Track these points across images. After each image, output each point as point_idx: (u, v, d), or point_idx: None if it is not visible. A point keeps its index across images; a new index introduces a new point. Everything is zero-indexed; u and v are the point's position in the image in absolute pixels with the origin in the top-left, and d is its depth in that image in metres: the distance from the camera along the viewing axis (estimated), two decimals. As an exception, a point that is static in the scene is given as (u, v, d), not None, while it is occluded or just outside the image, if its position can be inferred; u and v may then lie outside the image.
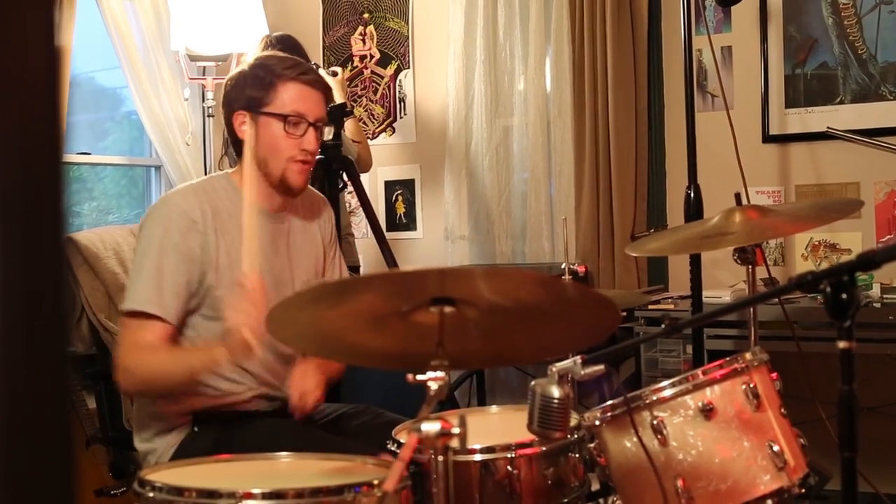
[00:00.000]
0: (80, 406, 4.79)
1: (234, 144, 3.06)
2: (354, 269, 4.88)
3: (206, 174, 5.34)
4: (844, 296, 1.79)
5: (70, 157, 5.32)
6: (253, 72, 3.02)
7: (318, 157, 3.79)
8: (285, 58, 3.12)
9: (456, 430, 1.72)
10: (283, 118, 2.96)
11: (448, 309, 1.89)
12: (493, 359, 2.49)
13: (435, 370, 1.84)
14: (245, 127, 2.98)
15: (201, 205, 2.91)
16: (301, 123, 2.97)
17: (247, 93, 2.99)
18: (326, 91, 3.08)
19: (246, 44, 5.35)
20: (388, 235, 5.69)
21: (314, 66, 3.38)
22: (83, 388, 4.81)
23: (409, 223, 5.98)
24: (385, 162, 6.02)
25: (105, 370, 4.63)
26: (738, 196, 2.98)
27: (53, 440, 0.71)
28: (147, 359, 2.81)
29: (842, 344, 1.79)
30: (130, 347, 2.82)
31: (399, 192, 6.01)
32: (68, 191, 0.73)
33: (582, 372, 2.24)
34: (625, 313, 4.49)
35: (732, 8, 4.95)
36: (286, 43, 4.52)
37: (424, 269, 1.85)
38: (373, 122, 6.09)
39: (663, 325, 2.22)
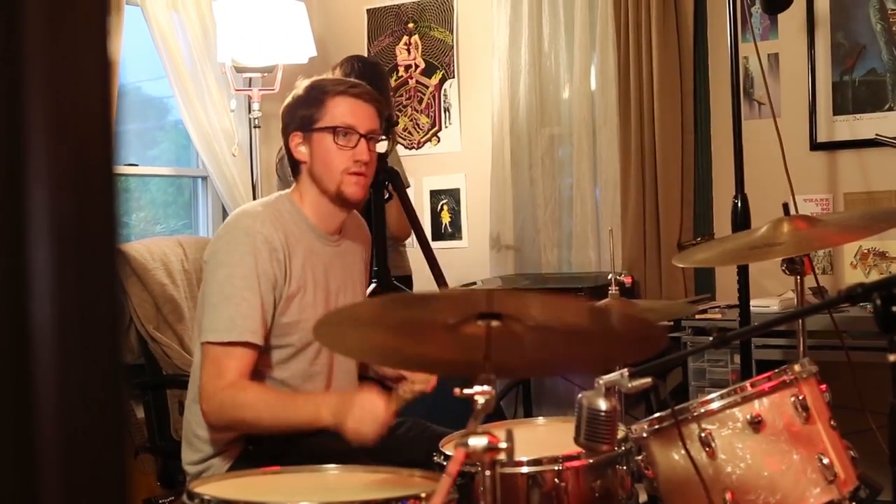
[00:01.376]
0: (128, 416, 4.81)
1: (293, 167, 3.09)
2: (406, 278, 4.87)
3: (252, 185, 5.37)
4: (895, 308, 1.78)
5: (119, 169, 5.36)
6: (305, 93, 3.04)
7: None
8: (337, 78, 3.16)
9: (503, 445, 1.72)
10: (333, 130, 2.98)
11: (495, 323, 1.89)
12: (540, 369, 2.49)
13: (482, 384, 1.84)
14: (301, 147, 3.01)
15: (278, 232, 2.92)
16: (352, 135, 2.98)
17: (299, 113, 3.02)
18: (378, 105, 3.08)
19: (292, 55, 5.38)
20: (434, 245, 5.69)
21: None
22: (131, 398, 4.84)
23: (455, 232, 5.99)
24: (430, 171, 6.03)
25: (154, 380, 4.67)
26: (786, 206, 2.96)
27: (109, 458, 0.72)
28: (245, 401, 2.79)
29: (892, 357, 1.78)
30: (222, 380, 2.79)
31: (444, 201, 6.01)
32: (121, 206, 0.73)
33: (629, 385, 2.23)
34: (671, 323, 4.47)
35: (779, 15, 4.91)
36: (367, 64, 4.53)
37: (472, 291, 1.86)
38: (418, 132, 6.10)
39: (712, 337, 2.20)
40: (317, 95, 3.01)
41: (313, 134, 2.99)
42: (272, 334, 2.92)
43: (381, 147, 3.37)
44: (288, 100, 3.10)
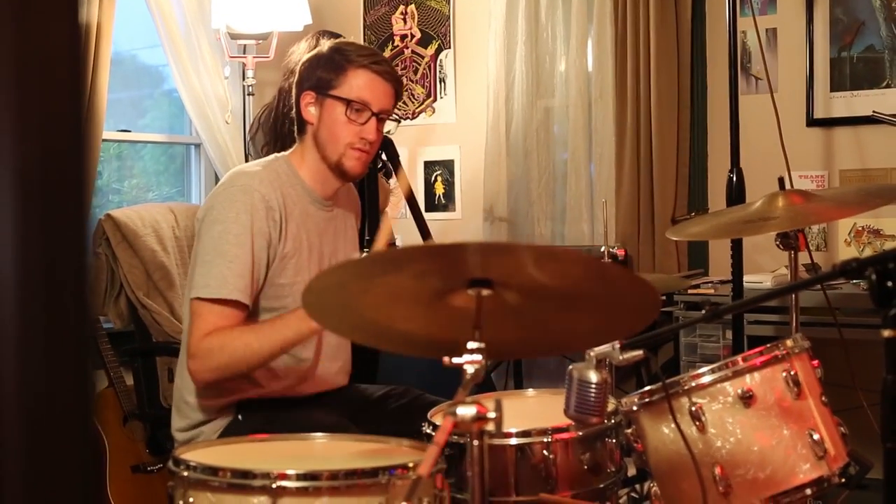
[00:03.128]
0: (118, 383, 4.81)
1: (299, 124, 3.06)
2: (392, 246, 4.86)
3: (245, 153, 5.34)
4: (890, 283, 1.76)
5: (110, 135, 5.34)
6: (329, 54, 3.02)
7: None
8: (363, 46, 3.14)
9: (492, 415, 1.70)
10: (347, 103, 2.95)
11: (486, 291, 1.87)
12: (531, 348, 2.46)
13: (471, 353, 1.82)
14: (311, 108, 2.99)
15: (275, 192, 2.91)
16: (364, 111, 2.96)
17: (318, 73, 3.00)
18: (397, 84, 3.06)
19: (287, 22, 5.34)
20: (428, 216, 5.67)
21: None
22: (121, 365, 4.83)
23: (448, 204, 5.97)
24: (425, 142, 6.00)
25: (143, 347, 4.66)
26: (781, 180, 2.94)
27: (74, 440, 0.70)
28: (230, 337, 2.79)
29: (886, 332, 1.76)
30: (206, 334, 2.79)
31: (438, 172, 5.99)
32: (97, 168, 0.72)
33: (620, 357, 2.22)
34: (664, 297, 4.46)
35: (778, -11, 4.89)
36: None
37: (465, 243, 1.82)
38: (413, 102, 6.07)
39: (704, 311, 2.19)
40: (339, 61, 2.98)
41: (327, 99, 2.97)
42: (266, 296, 2.92)
43: (390, 126, 3.35)
44: (309, 55, 3.08)
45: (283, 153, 3.10)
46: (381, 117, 2.99)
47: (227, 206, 2.86)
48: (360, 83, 2.96)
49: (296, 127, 3.08)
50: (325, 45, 3.08)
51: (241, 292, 2.80)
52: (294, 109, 3.06)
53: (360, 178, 3.13)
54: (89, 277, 0.67)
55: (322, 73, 2.98)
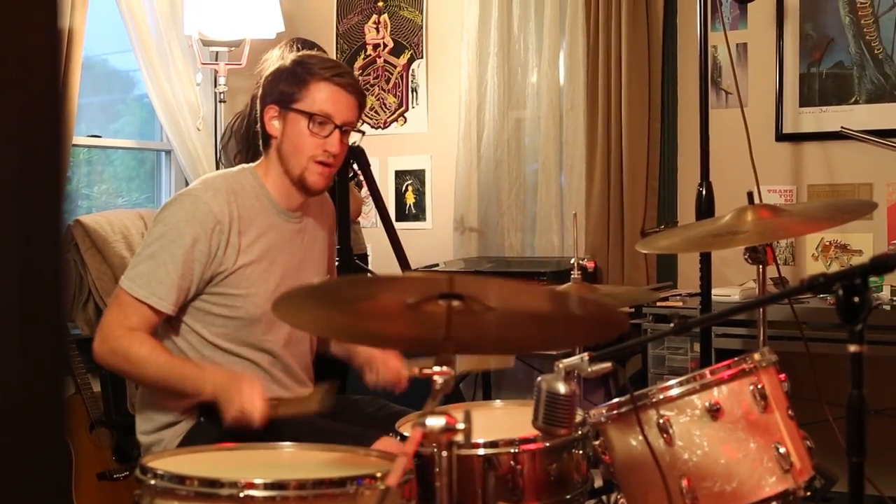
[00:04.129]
0: (84, 389, 4.78)
1: (263, 138, 3.06)
2: (362, 257, 4.86)
3: (216, 160, 5.33)
4: (857, 299, 1.78)
5: (80, 140, 5.31)
6: (291, 67, 3.02)
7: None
8: (326, 59, 3.13)
9: (461, 426, 1.71)
10: (310, 116, 2.95)
11: (456, 303, 1.88)
12: (501, 350, 2.48)
13: (440, 364, 1.83)
14: (275, 122, 2.99)
15: (230, 206, 2.91)
16: (327, 124, 2.95)
17: (280, 87, 2.99)
18: (360, 97, 3.05)
19: (259, 30, 5.34)
20: (398, 225, 5.66)
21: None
22: (88, 371, 4.81)
23: (419, 213, 5.97)
24: (396, 152, 6.00)
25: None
26: (750, 195, 2.96)
27: (46, 436, 0.70)
28: (137, 353, 2.81)
29: (852, 348, 1.78)
30: (120, 327, 2.82)
31: (409, 182, 5.99)
32: (70, 173, 0.71)
33: (589, 369, 2.23)
34: (633, 310, 4.47)
35: (749, 5, 4.92)
36: (309, 48, 4.50)
37: (434, 275, 1.84)
38: (385, 112, 6.07)
39: (672, 324, 2.20)
40: (302, 74, 2.98)
41: (290, 113, 2.97)
42: (220, 304, 2.92)
43: (355, 138, 3.35)
44: (272, 69, 3.07)
45: (250, 164, 3.10)
46: (344, 130, 2.99)
47: (175, 212, 2.88)
48: (322, 96, 2.95)
49: (261, 140, 3.08)
50: (288, 58, 3.08)
51: (158, 299, 2.82)
52: (259, 123, 3.06)
53: (322, 192, 3.12)
54: (65, 284, 0.67)
55: (284, 87, 2.98)
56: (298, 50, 4.39)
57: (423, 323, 1.94)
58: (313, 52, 3.19)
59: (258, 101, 3.07)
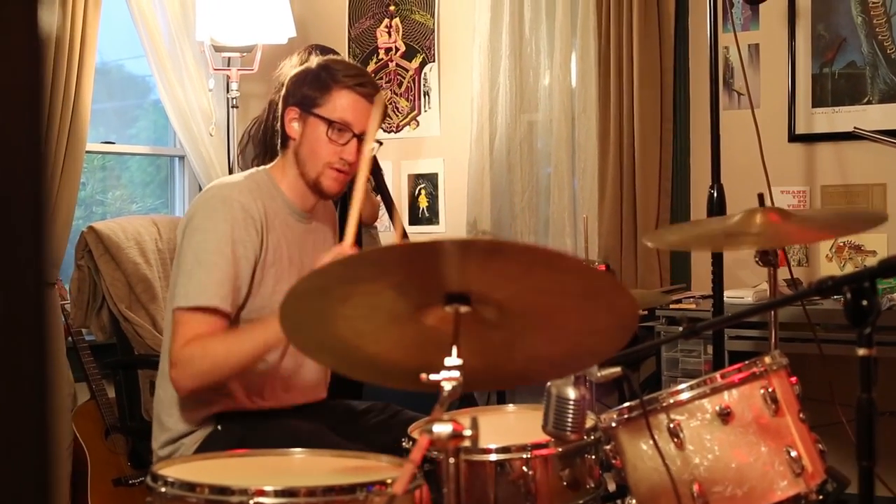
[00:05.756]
0: (99, 395, 4.80)
1: (283, 138, 3.08)
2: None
3: (228, 166, 5.35)
4: (865, 302, 1.77)
5: (94, 146, 5.33)
6: (316, 71, 3.04)
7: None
8: (352, 66, 3.15)
9: (468, 433, 1.71)
10: (329, 123, 2.96)
11: (464, 308, 1.87)
12: (507, 377, 2.45)
13: (449, 370, 1.83)
14: (295, 124, 3.01)
15: (255, 202, 2.93)
16: (346, 132, 2.97)
17: (303, 90, 3.01)
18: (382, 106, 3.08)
19: (271, 35, 5.35)
20: (411, 229, 5.69)
21: None
22: (103, 378, 4.83)
23: (432, 217, 5.97)
24: (409, 155, 6.01)
25: (125, 359, 4.66)
26: (760, 197, 2.95)
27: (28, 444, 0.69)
28: (207, 348, 2.79)
29: (861, 351, 1.78)
30: (186, 340, 2.80)
31: (422, 185, 5.99)
32: (47, 187, 0.71)
33: (599, 374, 2.23)
34: (646, 312, 4.47)
35: (760, 6, 4.91)
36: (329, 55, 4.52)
37: (438, 241, 1.79)
38: (397, 116, 6.08)
39: (682, 328, 2.20)
40: (326, 79, 3.00)
41: (310, 117, 2.99)
42: (249, 307, 2.92)
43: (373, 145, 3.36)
44: (297, 71, 3.09)
45: (264, 166, 3.12)
46: (361, 138, 3.00)
47: (207, 216, 2.87)
48: (343, 104, 2.97)
49: (279, 140, 3.10)
50: (315, 61, 3.09)
51: (221, 299, 2.81)
52: (279, 123, 3.08)
53: (336, 197, 3.15)
54: (46, 326, 0.67)
55: (308, 91, 3.00)
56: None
57: (429, 340, 1.92)
58: (339, 58, 3.20)
59: (280, 101, 3.09)
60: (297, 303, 1.99)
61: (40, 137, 0.71)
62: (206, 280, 2.81)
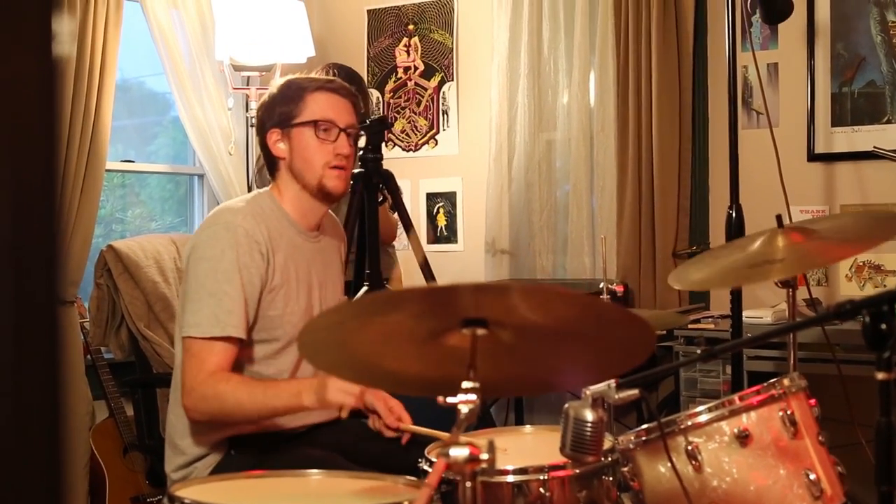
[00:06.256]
0: (118, 413, 4.82)
1: (270, 165, 3.10)
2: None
3: (248, 185, 5.36)
4: (884, 326, 1.76)
5: (113, 165, 5.36)
6: (280, 91, 3.08)
7: (358, 170, 3.81)
8: (311, 76, 3.19)
9: (484, 456, 1.70)
10: (314, 124, 3.00)
11: (480, 331, 1.87)
12: (525, 386, 2.46)
13: (466, 393, 1.82)
14: (280, 144, 3.03)
15: (260, 226, 2.94)
16: (332, 129, 3.02)
17: (277, 110, 3.05)
18: (353, 100, 3.13)
19: (290, 54, 5.36)
20: (429, 248, 5.68)
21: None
22: (121, 396, 4.84)
23: (451, 236, 5.97)
24: (427, 174, 6.02)
25: (144, 378, 4.67)
26: (779, 218, 2.93)
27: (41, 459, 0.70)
28: (226, 390, 2.79)
29: (881, 375, 1.76)
30: (202, 372, 2.80)
31: (440, 204, 6.00)
32: (61, 208, 0.71)
33: (616, 396, 2.22)
34: (664, 332, 4.45)
35: (780, 25, 4.89)
36: (348, 73, 4.53)
37: (456, 285, 1.81)
38: (416, 134, 6.09)
39: (699, 351, 2.19)
40: (294, 92, 3.05)
41: (293, 129, 3.02)
42: (258, 329, 2.93)
43: (360, 142, 3.40)
44: (264, 98, 3.13)
45: (264, 189, 3.13)
46: (348, 132, 3.05)
47: (212, 244, 2.88)
48: (321, 105, 3.03)
49: (267, 169, 3.13)
50: (273, 85, 3.13)
51: (233, 328, 2.82)
52: (263, 152, 3.10)
53: (343, 195, 3.16)
54: (61, 354, 0.67)
55: (281, 108, 3.04)
56: (334, 75, 4.42)
57: (445, 358, 1.92)
58: (296, 75, 3.23)
59: (257, 132, 3.13)
60: (314, 333, 2.00)
61: (54, 159, 0.71)
62: (217, 309, 2.82)
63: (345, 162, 3.04)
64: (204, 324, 2.81)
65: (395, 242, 5.05)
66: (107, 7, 4.91)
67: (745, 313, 4.06)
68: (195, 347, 2.82)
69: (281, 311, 2.96)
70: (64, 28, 0.72)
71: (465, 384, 1.83)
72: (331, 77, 3.16)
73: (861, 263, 4.81)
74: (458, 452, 1.68)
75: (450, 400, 1.83)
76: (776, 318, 4.28)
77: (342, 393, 2.72)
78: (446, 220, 5.98)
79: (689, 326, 4.47)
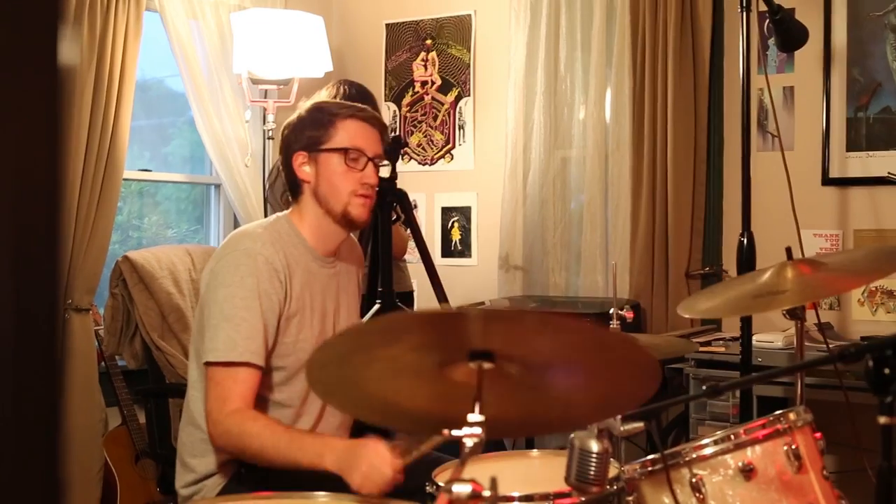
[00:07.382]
0: (131, 421, 4.85)
1: (293, 187, 3.10)
2: (407, 294, 4.90)
3: (264, 197, 5.38)
4: (887, 370, 1.78)
5: (130, 174, 5.39)
6: (310, 115, 3.07)
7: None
8: (341, 101, 3.19)
9: (486, 493, 1.72)
10: (344, 152, 3.00)
11: (487, 364, 1.88)
12: (532, 426, 2.46)
13: (471, 426, 1.84)
14: (305, 167, 3.03)
15: (278, 254, 2.95)
16: (361, 158, 3.02)
17: (306, 133, 3.04)
18: (383, 129, 3.12)
19: (308, 69, 5.39)
20: (443, 262, 5.71)
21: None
22: (134, 403, 4.87)
23: (465, 250, 6.00)
24: (442, 188, 6.04)
25: (156, 388, 4.70)
26: (788, 250, 2.94)
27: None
28: (251, 432, 2.75)
29: (882, 419, 1.78)
30: (227, 405, 2.79)
31: (455, 218, 6.02)
32: (63, 223, 0.71)
33: (621, 428, 2.24)
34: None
35: (796, 49, 4.91)
36: (359, 90, 4.55)
37: (461, 311, 1.82)
38: (432, 149, 6.11)
39: (704, 388, 2.20)
40: (325, 117, 3.04)
41: (320, 154, 3.02)
42: (275, 355, 2.94)
43: (384, 172, 3.40)
44: (292, 120, 3.11)
45: (283, 213, 3.14)
46: (375, 162, 3.05)
47: (232, 271, 2.88)
48: (351, 132, 3.02)
49: (289, 191, 3.12)
50: (303, 107, 3.13)
51: (252, 354, 2.82)
52: (286, 173, 3.10)
53: (365, 224, 3.16)
54: (60, 365, 0.68)
55: (310, 132, 3.03)
56: (346, 91, 4.45)
57: (451, 393, 1.94)
58: (326, 100, 3.24)
59: (281, 153, 3.12)
60: (322, 370, 2.01)
61: (59, 169, 0.71)
62: (235, 335, 2.82)
63: (371, 191, 3.04)
64: (222, 349, 2.81)
65: (407, 256, 5.06)
66: (126, 17, 4.95)
67: (755, 337, 4.07)
68: (218, 376, 2.82)
69: (294, 337, 2.97)
70: (71, 37, 0.72)
71: (471, 417, 1.84)
72: (361, 105, 3.16)
73: (873, 288, 4.81)
74: (461, 489, 1.70)
75: (455, 433, 1.85)
76: (786, 342, 4.29)
77: (368, 480, 2.48)
78: (460, 235, 6.00)
79: (700, 349, 4.47)
